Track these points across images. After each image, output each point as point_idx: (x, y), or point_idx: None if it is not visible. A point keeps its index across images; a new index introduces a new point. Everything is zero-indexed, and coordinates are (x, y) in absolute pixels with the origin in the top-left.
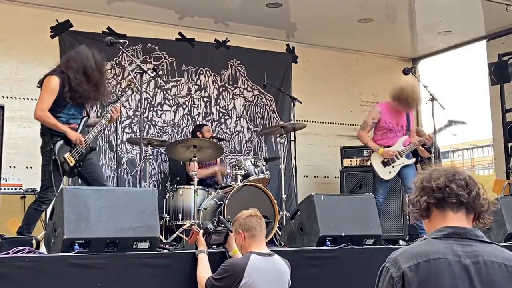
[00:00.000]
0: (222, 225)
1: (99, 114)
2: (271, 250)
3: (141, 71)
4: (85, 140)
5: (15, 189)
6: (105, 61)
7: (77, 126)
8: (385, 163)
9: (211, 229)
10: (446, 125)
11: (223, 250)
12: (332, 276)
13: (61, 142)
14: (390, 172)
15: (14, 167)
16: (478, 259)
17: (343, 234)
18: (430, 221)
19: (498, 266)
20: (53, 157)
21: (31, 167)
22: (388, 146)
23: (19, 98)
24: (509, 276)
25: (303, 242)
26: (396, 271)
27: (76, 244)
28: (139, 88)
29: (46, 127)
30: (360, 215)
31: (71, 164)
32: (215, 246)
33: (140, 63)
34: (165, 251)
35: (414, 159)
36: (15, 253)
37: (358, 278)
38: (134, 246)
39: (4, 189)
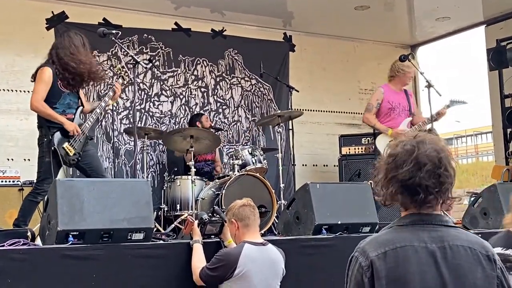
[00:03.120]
0: (217, 216)
1: None
2: (267, 240)
3: (135, 62)
4: (81, 129)
5: (13, 181)
6: (87, 40)
7: (73, 116)
8: None
9: (206, 219)
10: (447, 106)
11: (218, 240)
12: (328, 265)
13: (59, 132)
14: None
15: (12, 159)
16: (444, 244)
17: (339, 223)
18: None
19: (464, 250)
20: (53, 148)
21: (29, 160)
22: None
23: (16, 91)
24: (474, 259)
25: (299, 231)
26: (364, 260)
27: (70, 235)
28: (130, 76)
29: (43, 119)
30: (356, 203)
31: (71, 154)
32: (213, 236)
33: (133, 54)
34: (160, 241)
35: None
36: (9, 245)
37: None
38: (129, 237)
39: (2, 181)
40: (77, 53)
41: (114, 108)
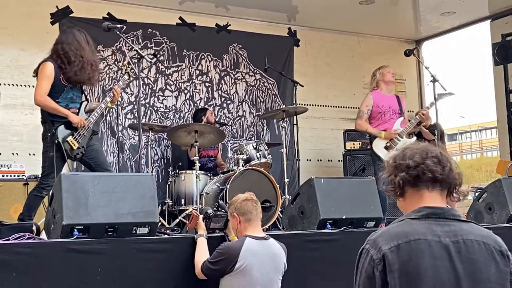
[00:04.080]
0: (222, 210)
1: (100, 100)
2: (271, 234)
3: (139, 57)
4: (86, 124)
5: (18, 176)
6: (92, 39)
7: (77, 111)
8: (388, 147)
9: (211, 214)
10: (436, 99)
11: (223, 234)
12: (333, 259)
13: (63, 127)
14: None
15: (17, 154)
16: (458, 238)
17: (344, 217)
18: (405, 200)
19: (477, 244)
20: (56, 141)
21: (33, 154)
22: (385, 131)
23: (21, 85)
24: (488, 253)
25: (304, 226)
26: (376, 252)
27: (75, 230)
28: (136, 72)
29: (46, 113)
30: (360, 197)
31: (75, 148)
32: (217, 231)
33: (138, 49)
34: (165, 236)
35: (415, 138)
36: (15, 239)
37: None
38: (134, 231)
39: (7, 176)
40: (81, 49)
41: (119, 103)
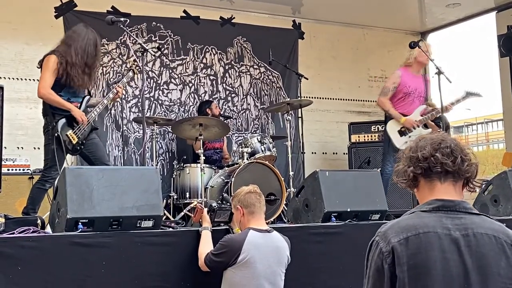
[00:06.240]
0: (227, 203)
1: (104, 94)
2: (276, 227)
3: (143, 50)
4: (87, 118)
5: (23, 170)
6: (101, 41)
7: (79, 105)
8: (402, 133)
9: (215, 207)
10: (463, 97)
11: (227, 227)
12: (338, 252)
13: (63, 120)
14: (406, 142)
15: (22, 148)
16: (468, 232)
17: (349, 210)
18: (419, 191)
19: (488, 238)
20: (56, 135)
21: (38, 148)
22: (405, 115)
23: (25, 79)
24: (498, 247)
25: (309, 219)
26: (385, 245)
27: (80, 223)
28: (141, 70)
29: (48, 106)
30: (365, 190)
31: (74, 142)
32: (222, 224)
33: (142, 43)
34: (169, 229)
35: (430, 129)
36: (19, 233)
37: (364, 254)
38: (138, 225)
39: (12, 170)
40: (87, 58)
41: (124, 96)
